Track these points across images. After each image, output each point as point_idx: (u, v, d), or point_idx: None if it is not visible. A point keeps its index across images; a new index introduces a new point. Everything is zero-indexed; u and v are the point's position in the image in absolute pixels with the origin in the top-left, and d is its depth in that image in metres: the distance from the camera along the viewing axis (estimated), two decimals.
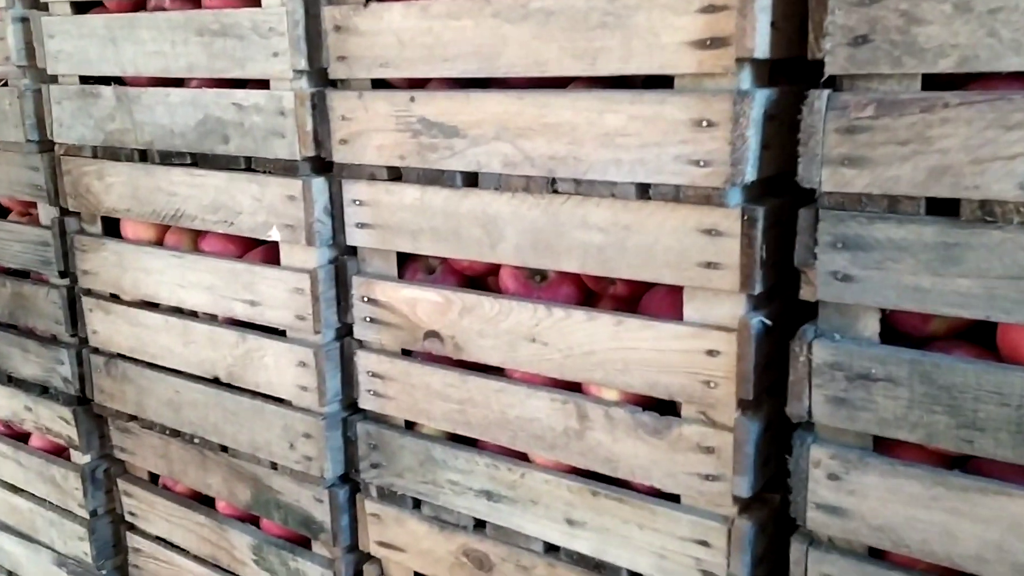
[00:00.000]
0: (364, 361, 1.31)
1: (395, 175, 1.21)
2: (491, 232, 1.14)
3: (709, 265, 0.98)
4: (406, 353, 1.28)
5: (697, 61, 0.93)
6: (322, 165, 1.29)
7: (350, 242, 1.28)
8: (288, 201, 1.29)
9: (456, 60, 1.11)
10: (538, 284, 1.17)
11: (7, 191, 1.72)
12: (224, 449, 1.51)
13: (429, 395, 1.25)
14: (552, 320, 1.12)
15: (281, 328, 1.37)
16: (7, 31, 1.57)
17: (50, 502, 1.86)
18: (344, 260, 1.30)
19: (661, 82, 0.99)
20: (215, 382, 1.48)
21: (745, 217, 0.95)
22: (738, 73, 0.92)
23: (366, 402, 1.33)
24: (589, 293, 1.16)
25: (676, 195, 0.97)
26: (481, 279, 1.26)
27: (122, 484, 1.72)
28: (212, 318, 1.47)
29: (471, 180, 1.14)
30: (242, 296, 1.39)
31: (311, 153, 1.27)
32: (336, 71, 1.22)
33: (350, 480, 1.39)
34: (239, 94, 1.31)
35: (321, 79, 1.26)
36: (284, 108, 1.26)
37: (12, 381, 1.86)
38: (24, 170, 1.66)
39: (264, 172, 1.32)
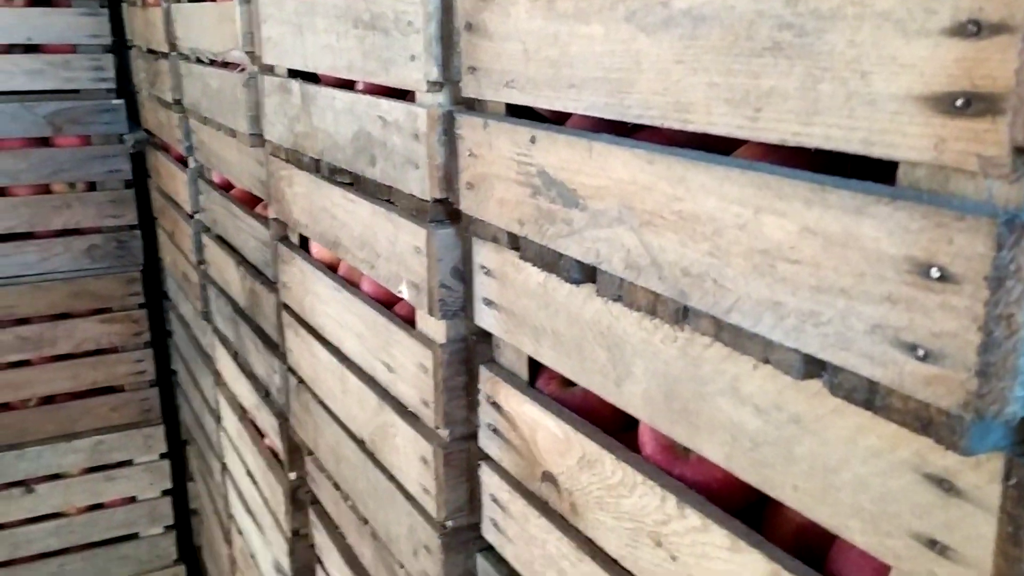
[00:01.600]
0: (488, 480, 0.96)
1: (516, 244, 0.83)
2: (616, 360, 0.72)
3: (933, 544, 0.48)
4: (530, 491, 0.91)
5: (934, 138, 0.43)
6: (456, 213, 0.94)
7: (477, 321, 0.93)
8: (415, 253, 0.97)
9: (583, 88, 0.69)
10: (684, 454, 0.72)
11: (247, 183, 1.62)
12: (365, 522, 1.26)
13: (545, 560, 0.87)
14: (683, 525, 0.67)
15: (412, 410, 1.07)
16: (235, 12, 1.43)
17: (268, 506, 1.78)
18: (475, 343, 0.96)
19: (881, 170, 0.49)
20: (360, 443, 1.23)
21: (1012, 481, 0.44)
22: (1017, 176, 0.40)
23: (488, 532, 0.98)
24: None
25: (870, 398, 0.48)
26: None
27: (312, 515, 1.57)
28: (359, 372, 1.21)
29: (590, 274, 0.72)
30: (381, 356, 1.11)
31: (439, 195, 0.93)
32: (467, 87, 0.87)
33: None
34: (384, 105, 1.01)
35: (460, 96, 0.91)
36: (418, 130, 0.94)
37: (253, 376, 1.79)
38: (254, 163, 1.54)
39: (400, 210, 1.01)
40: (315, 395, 1.38)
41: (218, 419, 2.15)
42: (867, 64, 0.45)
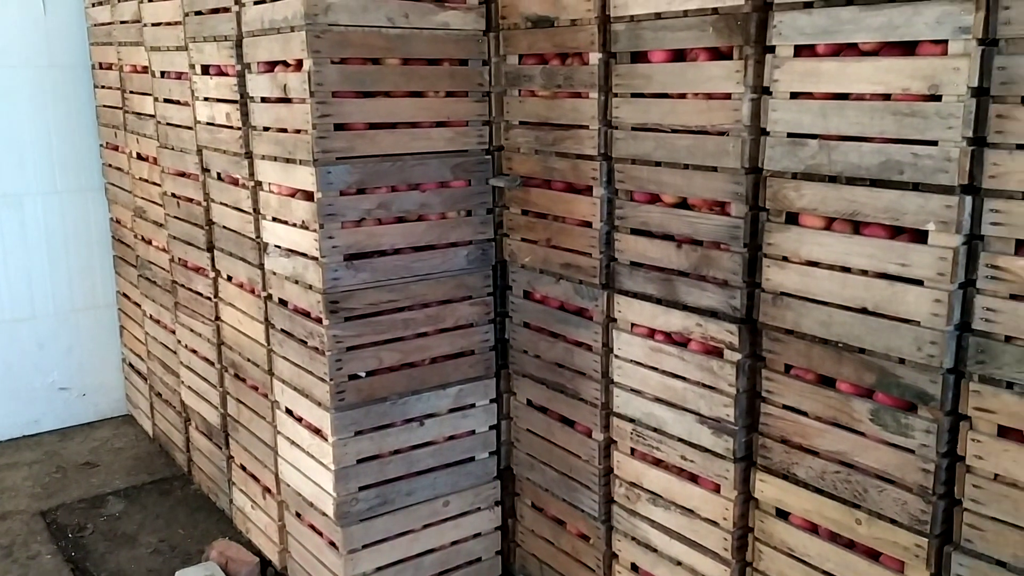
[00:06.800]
0: (980, 300, 2.32)
1: None
2: None
3: None
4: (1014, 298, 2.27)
5: None
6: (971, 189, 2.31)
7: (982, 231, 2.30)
8: (945, 209, 2.33)
9: None
10: None
11: (708, 194, 2.93)
12: (860, 351, 2.58)
13: None
14: None
15: (918, 280, 2.41)
16: (743, 107, 2.76)
17: (703, 384, 3.05)
18: (975, 243, 2.32)
19: None
20: (862, 311, 2.56)
21: None
22: None
23: (978, 324, 2.33)
24: None
25: None
26: None
27: (765, 373, 2.86)
28: (863, 272, 2.55)
29: None
30: (894, 260, 2.45)
31: (965, 181, 2.30)
32: None
33: (956, 371, 2.40)
34: (917, 148, 2.37)
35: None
36: (949, 157, 2.31)
37: (686, 308, 3.07)
38: (729, 184, 2.85)
39: (927, 191, 2.37)
40: (797, 297, 2.69)
41: (608, 351, 3.39)
42: None
